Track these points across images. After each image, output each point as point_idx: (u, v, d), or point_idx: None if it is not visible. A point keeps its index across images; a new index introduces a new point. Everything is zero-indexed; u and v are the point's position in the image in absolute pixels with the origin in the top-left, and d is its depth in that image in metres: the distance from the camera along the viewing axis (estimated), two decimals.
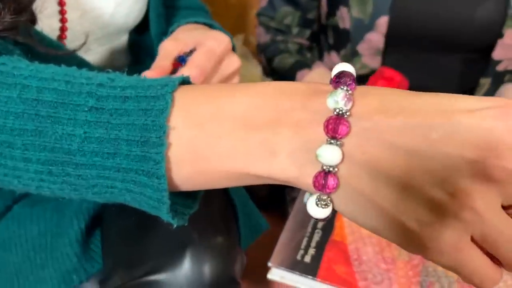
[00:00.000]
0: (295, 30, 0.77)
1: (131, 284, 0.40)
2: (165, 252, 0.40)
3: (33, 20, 0.37)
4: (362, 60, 0.71)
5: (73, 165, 0.23)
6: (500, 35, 0.64)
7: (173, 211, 0.25)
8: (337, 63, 0.75)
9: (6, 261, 0.45)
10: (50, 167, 0.23)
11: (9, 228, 0.46)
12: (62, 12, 0.43)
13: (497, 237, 0.19)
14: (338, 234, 0.53)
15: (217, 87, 0.24)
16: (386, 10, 0.65)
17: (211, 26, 0.49)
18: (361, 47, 0.69)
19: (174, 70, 0.42)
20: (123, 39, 0.55)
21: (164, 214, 0.24)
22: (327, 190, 0.20)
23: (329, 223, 0.55)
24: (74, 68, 0.25)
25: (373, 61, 0.70)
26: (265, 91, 0.22)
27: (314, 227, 0.54)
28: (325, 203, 0.21)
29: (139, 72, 0.41)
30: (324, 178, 0.20)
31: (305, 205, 0.22)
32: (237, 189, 0.49)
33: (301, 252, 0.51)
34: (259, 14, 0.78)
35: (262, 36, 0.78)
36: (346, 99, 0.20)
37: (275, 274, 0.50)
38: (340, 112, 0.20)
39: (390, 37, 0.67)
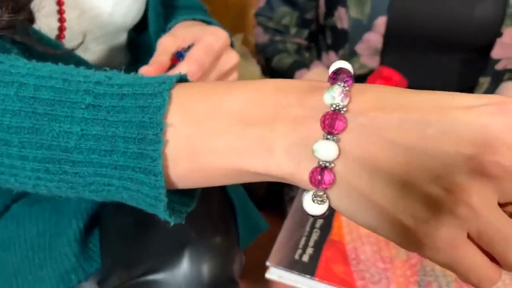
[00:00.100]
0: (293, 30, 0.77)
1: (129, 284, 0.40)
2: (163, 251, 0.40)
3: (31, 19, 0.37)
4: (361, 60, 0.71)
5: (70, 162, 0.23)
6: (499, 34, 0.64)
7: (170, 209, 0.25)
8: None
9: (5, 261, 0.45)
10: (47, 165, 0.23)
11: (8, 227, 0.46)
12: (60, 12, 0.43)
13: (493, 234, 0.19)
14: (336, 233, 0.53)
15: (214, 85, 0.24)
16: (384, 11, 0.65)
17: (209, 23, 0.49)
18: (360, 47, 0.69)
19: (172, 66, 0.42)
20: (122, 38, 0.55)
21: (161, 212, 0.24)
22: (323, 186, 0.20)
23: (327, 222, 0.55)
24: (72, 66, 0.25)
25: (371, 61, 0.70)
26: (262, 88, 0.23)
27: (312, 227, 0.54)
28: (321, 199, 0.21)
29: (138, 71, 0.41)
30: (321, 174, 0.20)
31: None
32: (236, 188, 0.49)
33: (299, 251, 0.51)
34: (257, 14, 0.78)
35: (260, 36, 0.78)
36: (343, 95, 0.20)
37: (273, 273, 0.50)
38: (337, 108, 0.20)
39: (389, 37, 0.67)
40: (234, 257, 0.43)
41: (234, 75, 0.47)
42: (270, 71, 0.77)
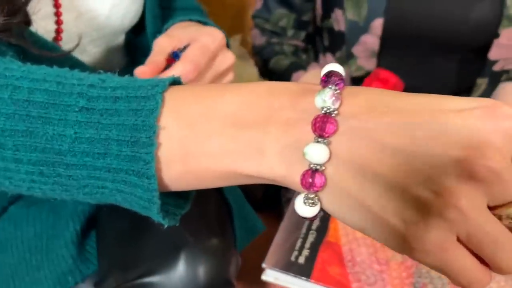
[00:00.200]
0: (290, 32, 0.77)
1: (125, 286, 0.40)
2: (159, 254, 0.40)
3: (27, 21, 0.37)
4: (358, 62, 0.71)
5: (64, 165, 0.23)
6: (496, 35, 0.64)
7: (165, 212, 0.25)
8: None
9: (2, 263, 0.45)
10: (41, 168, 0.23)
11: (5, 229, 0.46)
12: (57, 14, 0.43)
13: (482, 237, 0.19)
14: (332, 235, 0.53)
15: (208, 87, 0.24)
16: (380, 13, 0.65)
17: (205, 24, 0.49)
18: (356, 49, 0.69)
19: (168, 66, 0.42)
20: (120, 40, 0.55)
21: (155, 214, 0.24)
22: (314, 189, 0.20)
23: (324, 224, 0.55)
24: (66, 69, 0.25)
25: (368, 63, 0.70)
26: (255, 90, 0.23)
27: (309, 228, 0.54)
28: (312, 201, 0.21)
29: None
30: (312, 177, 0.20)
31: None
32: (232, 190, 0.49)
33: (295, 253, 0.51)
34: (254, 16, 0.78)
35: (257, 38, 0.78)
36: (333, 98, 0.20)
37: (269, 275, 0.50)
38: (328, 111, 0.20)
39: (385, 39, 0.67)
40: (230, 259, 0.43)
41: (230, 75, 0.47)
42: (267, 73, 0.77)
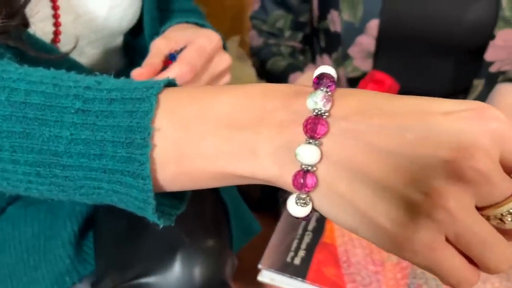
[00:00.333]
0: (287, 33, 0.77)
1: (122, 287, 0.40)
2: (156, 254, 0.40)
3: (25, 24, 0.37)
4: (354, 63, 0.71)
5: (60, 166, 0.23)
6: (492, 37, 0.64)
7: (160, 212, 0.25)
8: (329, 65, 0.75)
9: (0, 263, 0.46)
10: (38, 169, 0.24)
11: (3, 229, 0.47)
12: (55, 16, 0.44)
13: (470, 238, 0.19)
14: (328, 236, 0.54)
15: (203, 89, 0.24)
16: (376, 14, 0.65)
17: (202, 26, 0.50)
18: (352, 50, 0.70)
19: (164, 67, 0.42)
20: (118, 41, 0.55)
21: (150, 214, 0.24)
22: (306, 189, 0.21)
23: (320, 225, 0.55)
24: (63, 71, 0.25)
25: (364, 64, 0.70)
26: (249, 92, 0.23)
27: (305, 229, 0.54)
28: (304, 201, 0.21)
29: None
30: (303, 177, 0.20)
31: None
32: (229, 191, 0.49)
33: (291, 254, 0.51)
34: (252, 18, 0.79)
35: (255, 39, 0.79)
36: (325, 100, 0.21)
37: (265, 276, 0.50)
38: (319, 113, 0.21)
39: (381, 40, 0.67)
40: (226, 259, 0.43)
41: (227, 77, 0.47)
42: (265, 74, 0.78)
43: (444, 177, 0.19)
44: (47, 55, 0.38)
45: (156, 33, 0.50)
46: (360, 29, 0.66)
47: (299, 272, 0.49)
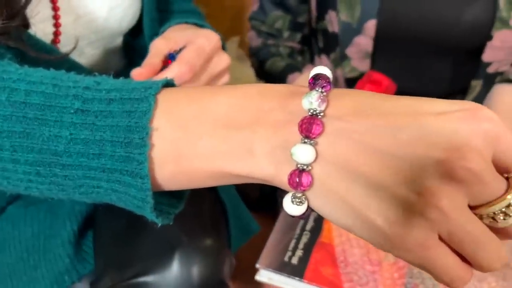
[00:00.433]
0: (286, 33, 0.77)
1: (121, 286, 0.40)
2: (154, 254, 0.40)
3: (25, 24, 0.37)
4: (352, 64, 0.71)
5: (60, 166, 0.24)
6: (489, 38, 0.64)
7: (158, 211, 0.25)
8: (327, 66, 0.75)
9: (0, 262, 0.46)
10: (38, 168, 0.24)
11: (4, 229, 0.47)
12: (56, 17, 0.44)
13: (463, 236, 0.20)
14: (326, 236, 0.54)
15: (202, 89, 0.25)
16: (374, 14, 0.65)
17: (201, 26, 0.50)
18: (350, 51, 0.70)
19: (164, 67, 0.43)
20: (117, 42, 0.55)
21: (148, 213, 0.24)
22: (301, 188, 0.21)
23: (318, 225, 0.55)
24: (62, 71, 0.26)
25: (362, 65, 0.71)
26: (246, 92, 0.23)
27: (303, 229, 0.55)
28: (299, 200, 0.21)
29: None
30: (299, 176, 0.21)
31: None
32: (228, 191, 0.50)
33: (289, 253, 0.52)
34: (250, 18, 0.79)
35: (253, 39, 0.79)
36: (320, 100, 0.21)
37: (263, 275, 0.50)
38: (314, 113, 0.21)
39: (379, 40, 0.67)
40: (224, 259, 0.43)
41: (226, 77, 0.47)
42: (263, 74, 0.78)
43: (437, 177, 0.19)
44: (47, 56, 0.38)
45: (155, 34, 0.50)
46: (357, 30, 0.67)
47: (297, 271, 0.50)
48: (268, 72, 0.76)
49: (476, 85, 0.70)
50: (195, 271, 0.40)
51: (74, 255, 0.45)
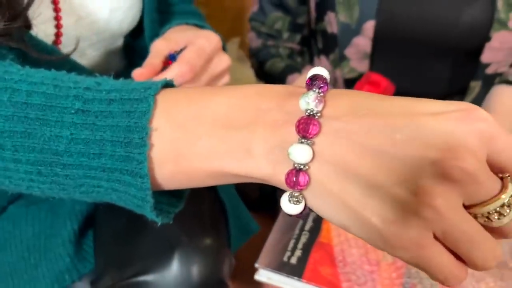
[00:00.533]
0: (285, 34, 0.78)
1: (121, 285, 0.41)
2: (154, 253, 0.41)
3: (27, 26, 0.38)
4: (350, 64, 0.71)
5: (61, 165, 0.24)
6: (488, 39, 0.64)
7: (158, 210, 0.26)
8: (327, 67, 0.75)
9: (1, 261, 0.46)
10: (39, 168, 0.24)
11: (5, 228, 0.47)
12: (57, 18, 0.44)
13: (458, 235, 0.20)
14: (325, 236, 0.54)
15: (201, 90, 0.25)
16: (372, 15, 0.66)
17: (202, 27, 0.50)
18: (349, 51, 0.70)
19: (165, 68, 0.43)
20: (118, 43, 0.56)
21: (148, 212, 0.25)
22: (298, 187, 0.21)
23: (317, 225, 0.55)
24: (63, 72, 0.26)
25: (361, 65, 0.71)
26: (245, 93, 0.24)
27: (302, 229, 0.55)
28: (297, 199, 0.22)
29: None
30: (296, 176, 0.21)
31: None
32: (227, 191, 0.50)
33: (288, 253, 0.52)
34: (251, 19, 0.79)
35: (253, 40, 0.79)
36: (317, 101, 0.21)
37: (262, 275, 0.51)
38: (311, 113, 0.21)
39: (377, 41, 0.68)
40: (224, 258, 0.43)
41: (226, 78, 0.48)
42: (263, 75, 0.78)
43: (432, 177, 0.19)
44: (48, 57, 0.38)
45: (156, 35, 0.50)
46: (356, 30, 0.67)
47: (296, 271, 0.50)
48: (268, 73, 0.76)
49: (475, 86, 0.70)
50: (195, 270, 0.40)
51: (75, 254, 0.46)
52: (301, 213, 0.22)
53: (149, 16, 0.53)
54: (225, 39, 0.48)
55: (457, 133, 0.20)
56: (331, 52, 0.72)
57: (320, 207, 0.22)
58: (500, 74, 0.70)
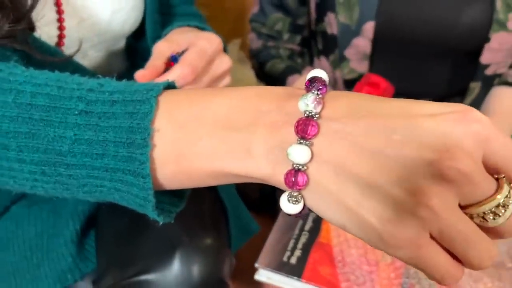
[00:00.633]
0: (285, 35, 0.78)
1: (122, 284, 0.41)
2: (155, 252, 0.41)
3: (31, 28, 0.38)
4: (350, 65, 0.71)
5: (64, 165, 0.24)
6: (487, 40, 0.64)
7: (160, 209, 0.26)
8: (326, 68, 0.75)
9: (4, 261, 0.46)
10: (43, 168, 0.25)
11: (7, 228, 0.47)
12: (60, 20, 0.45)
13: (454, 235, 0.20)
14: (324, 236, 0.54)
15: (202, 91, 0.25)
16: (372, 16, 0.66)
17: (203, 29, 0.51)
18: (349, 52, 0.70)
19: (167, 69, 0.43)
20: (120, 45, 0.56)
21: (150, 211, 0.25)
22: (297, 187, 0.22)
23: (316, 225, 0.56)
24: (67, 74, 0.26)
25: (361, 66, 0.71)
26: (245, 94, 0.24)
27: (301, 229, 0.55)
28: (295, 199, 0.22)
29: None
30: (294, 176, 0.21)
31: None
32: (228, 191, 0.50)
33: (288, 253, 0.52)
34: (251, 20, 0.80)
35: (254, 41, 0.79)
36: (315, 102, 0.22)
37: (262, 275, 0.51)
38: (310, 114, 0.22)
39: (377, 42, 0.68)
40: (224, 258, 0.44)
41: (227, 79, 0.48)
42: (263, 76, 0.78)
43: (428, 177, 0.20)
44: (51, 58, 0.39)
45: (158, 36, 0.51)
46: (356, 31, 0.67)
47: (295, 271, 0.50)
48: (268, 74, 0.76)
49: (475, 87, 0.71)
50: (196, 270, 0.40)
51: (77, 254, 0.46)
52: (300, 212, 0.23)
53: (151, 17, 0.54)
54: (226, 40, 0.48)
55: (453, 134, 0.20)
56: (331, 53, 0.73)
57: (319, 206, 0.22)
58: (500, 75, 0.70)
